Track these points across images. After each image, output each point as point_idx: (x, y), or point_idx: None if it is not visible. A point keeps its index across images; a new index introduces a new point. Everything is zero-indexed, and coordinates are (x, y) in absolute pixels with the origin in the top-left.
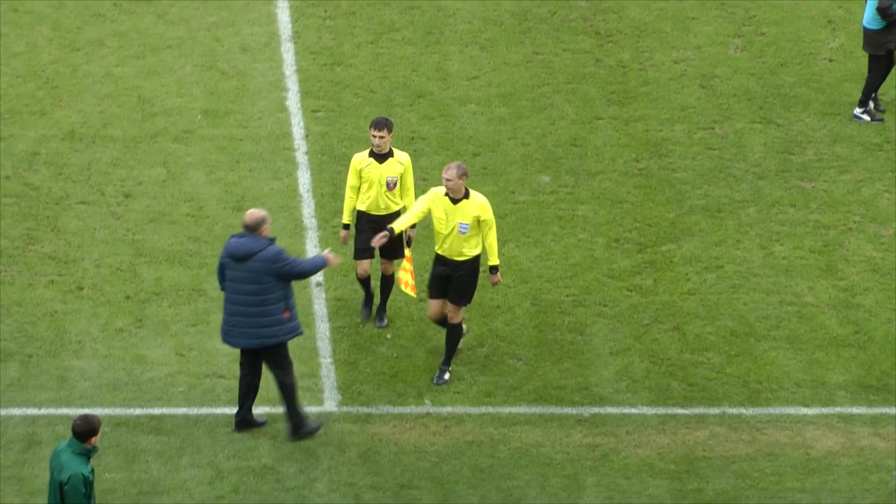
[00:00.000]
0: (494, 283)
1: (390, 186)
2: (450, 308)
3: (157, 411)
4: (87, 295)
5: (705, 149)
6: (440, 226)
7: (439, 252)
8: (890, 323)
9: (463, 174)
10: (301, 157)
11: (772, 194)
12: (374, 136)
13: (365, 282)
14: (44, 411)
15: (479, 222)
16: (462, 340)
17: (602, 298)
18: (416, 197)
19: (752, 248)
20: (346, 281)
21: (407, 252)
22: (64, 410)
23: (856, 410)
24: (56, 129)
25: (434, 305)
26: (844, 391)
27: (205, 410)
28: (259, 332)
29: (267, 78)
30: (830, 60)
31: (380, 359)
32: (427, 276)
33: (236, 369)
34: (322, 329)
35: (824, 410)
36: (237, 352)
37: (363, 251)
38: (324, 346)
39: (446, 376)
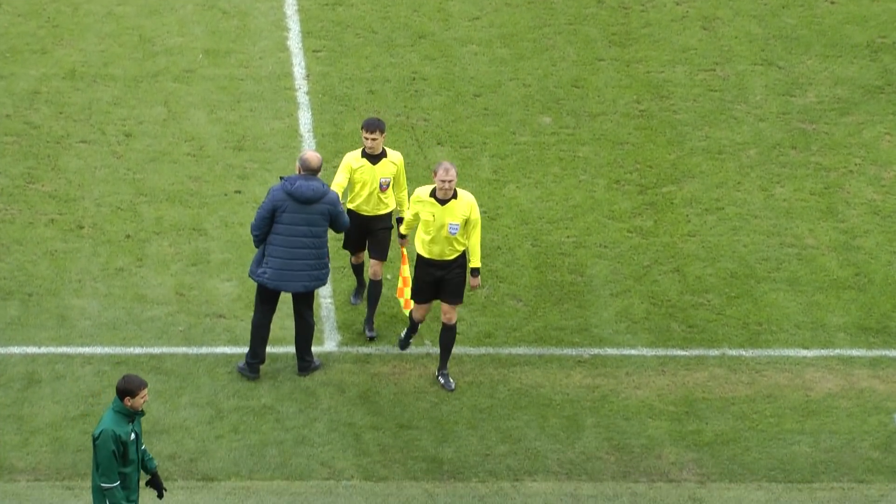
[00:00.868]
0: (473, 287)
1: (383, 187)
2: (448, 309)
3: (156, 350)
4: (87, 234)
5: (706, 90)
6: (427, 228)
7: (427, 256)
8: (890, 265)
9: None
10: (302, 97)
11: (773, 136)
12: (367, 139)
13: (358, 268)
14: (43, 350)
15: (466, 222)
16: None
17: (602, 240)
18: (410, 191)
19: (753, 190)
20: None
21: (405, 269)
22: (64, 349)
23: (855, 352)
24: (57, 67)
25: (423, 309)
26: (844, 333)
27: (205, 350)
28: (315, 275)
29: (268, 17)
30: (832, 2)
31: (380, 299)
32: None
33: (236, 309)
34: None
35: (824, 352)
36: (237, 291)
37: (355, 246)
38: (324, 286)
39: (452, 382)
